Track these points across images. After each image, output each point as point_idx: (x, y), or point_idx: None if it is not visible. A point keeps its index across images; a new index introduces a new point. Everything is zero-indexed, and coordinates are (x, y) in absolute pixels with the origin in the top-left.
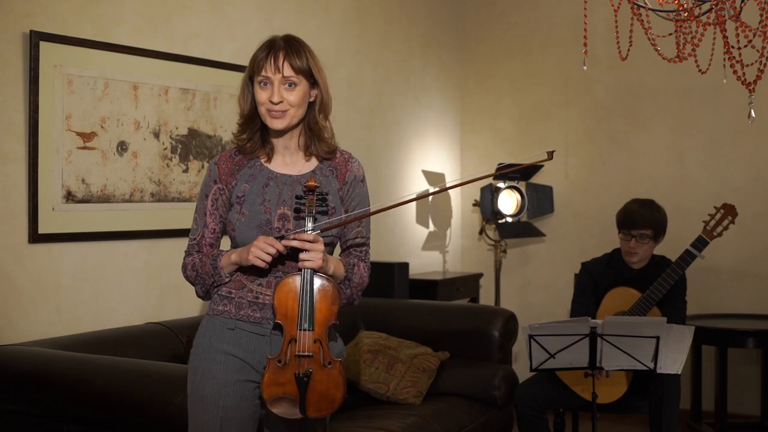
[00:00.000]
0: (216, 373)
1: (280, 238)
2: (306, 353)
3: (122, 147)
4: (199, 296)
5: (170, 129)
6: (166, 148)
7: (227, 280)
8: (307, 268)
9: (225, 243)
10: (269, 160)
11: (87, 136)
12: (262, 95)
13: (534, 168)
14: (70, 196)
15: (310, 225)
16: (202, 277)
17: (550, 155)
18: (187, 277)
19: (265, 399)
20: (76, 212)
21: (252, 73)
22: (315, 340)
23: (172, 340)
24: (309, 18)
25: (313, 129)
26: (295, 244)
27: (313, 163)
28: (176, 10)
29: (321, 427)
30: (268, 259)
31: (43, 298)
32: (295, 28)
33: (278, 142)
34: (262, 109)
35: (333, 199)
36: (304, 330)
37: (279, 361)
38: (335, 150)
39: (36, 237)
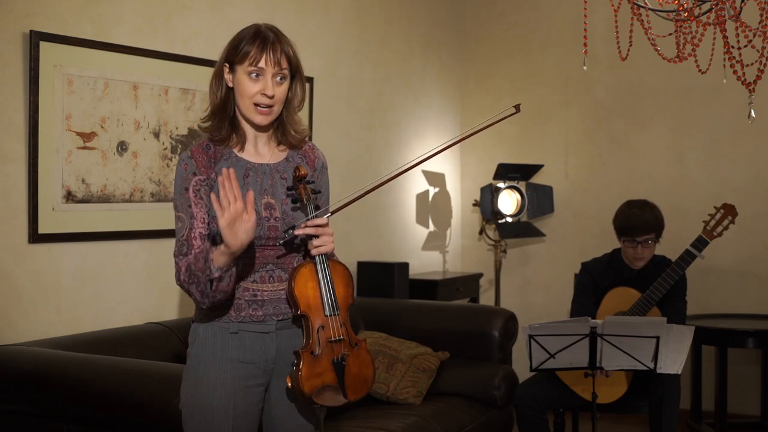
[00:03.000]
0: (224, 382)
1: (292, 228)
2: (339, 338)
3: (122, 147)
4: (201, 303)
5: (170, 129)
6: (166, 148)
7: (217, 274)
8: (322, 254)
9: None
10: (242, 149)
11: (87, 136)
12: (251, 87)
13: (534, 168)
14: (70, 196)
15: (313, 211)
16: (196, 275)
17: (517, 108)
18: (182, 283)
19: (306, 393)
20: (76, 212)
21: (234, 61)
22: (341, 324)
23: (172, 340)
24: (309, 18)
25: (288, 121)
26: (309, 231)
27: (284, 151)
28: (176, 10)
29: (322, 411)
30: (248, 227)
31: (43, 298)
32: (295, 28)
33: (249, 131)
34: (247, 102)
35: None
36: (332, 315)
37: (312, 353)
38: (305, 137)
39: (36, 237)
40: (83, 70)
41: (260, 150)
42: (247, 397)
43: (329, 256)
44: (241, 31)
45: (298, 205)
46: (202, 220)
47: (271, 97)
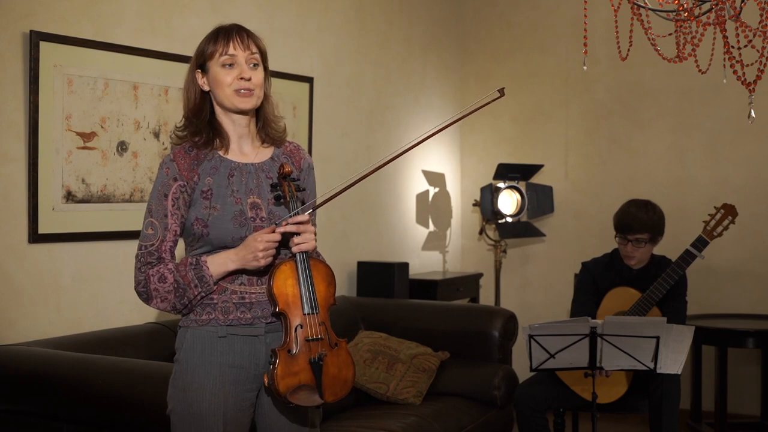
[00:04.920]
0: (214, 388)
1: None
2: (317, 337)
3: (122, 147)
4: (176, 311)
5: (170, 129)
6: (166, 148)
7: (215, 287)
8: (303, 251)
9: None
10: (227, 151)
11: (87, 136)
12: (227, 77)
13: (534, 168)
14: (70, 196)
15: (297, 208)
16: (184, 289)
17: (501, 92)
18: (150, 292)
19: (281, 392)
20: (76, 212)
21: (205, 62)
22: (320, 323)
23: (172, 340)
24: (309, 18)
25: (267, 114)
26: (291, 228)
27: (269, 150)
28: (176, 10)
29: (317, 415)
30: (273, 252)
31: (43, 298)
32: (295, 28)
33: (233, 131)
34: (228, 91)
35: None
36: (310, 314)
37: (289, 351)
38: (285, 131)
39: (36, 237)
40: (83, 70)
41: (245, 150)
42: (237, 403)
43: (312, 255)
44: (205, 37)
45: (281, 201)
46: (174, 233)
47: (249, 80)
